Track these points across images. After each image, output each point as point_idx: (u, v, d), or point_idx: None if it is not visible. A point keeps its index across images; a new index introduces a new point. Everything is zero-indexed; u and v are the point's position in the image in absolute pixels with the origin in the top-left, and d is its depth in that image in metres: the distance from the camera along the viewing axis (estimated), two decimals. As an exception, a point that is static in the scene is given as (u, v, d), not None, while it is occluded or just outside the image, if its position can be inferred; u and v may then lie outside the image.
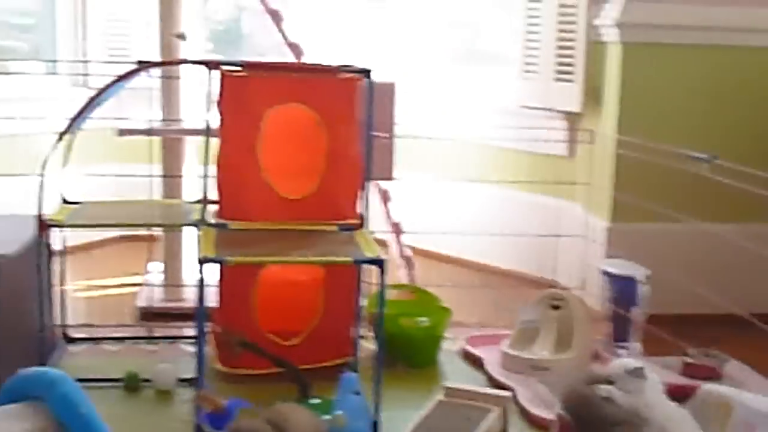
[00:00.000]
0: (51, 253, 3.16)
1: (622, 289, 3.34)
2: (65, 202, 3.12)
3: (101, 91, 2.93)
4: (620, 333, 3.35)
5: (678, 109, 3.89)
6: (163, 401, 2.87)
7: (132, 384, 2.94)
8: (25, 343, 2.87)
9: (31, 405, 1.82)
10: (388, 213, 3.91)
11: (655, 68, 3.86)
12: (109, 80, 3.01)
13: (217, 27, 5.46)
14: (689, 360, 3.17)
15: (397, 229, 3.94)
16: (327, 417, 2.62)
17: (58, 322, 3.29)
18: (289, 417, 2.25)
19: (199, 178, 3.22)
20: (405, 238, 3.99)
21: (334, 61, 2.93)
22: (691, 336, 3.26)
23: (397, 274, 3.86)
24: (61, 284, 3.30)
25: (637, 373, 2.35)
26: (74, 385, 1.84)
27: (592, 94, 4.03)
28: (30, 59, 4.94)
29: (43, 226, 2.84)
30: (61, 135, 2.90)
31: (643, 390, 2.33)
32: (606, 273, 3.40)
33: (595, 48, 4.01)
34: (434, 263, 4.27)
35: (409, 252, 3.99)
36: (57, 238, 3.25)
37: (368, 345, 3.22)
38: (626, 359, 2.53)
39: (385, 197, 3.89)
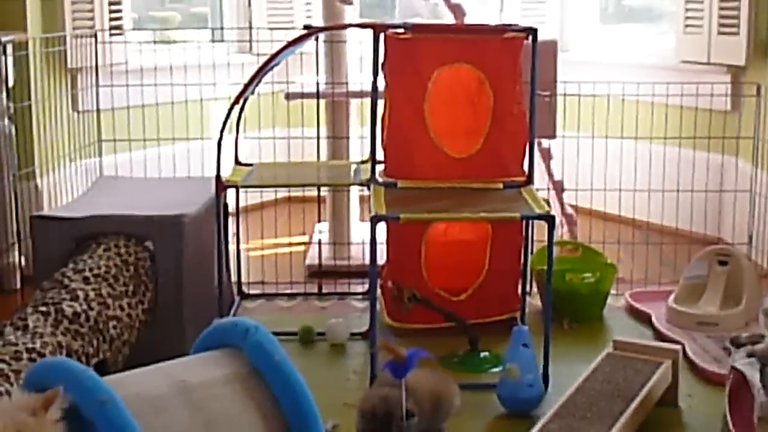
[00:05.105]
0: (227, 213, 3.31)
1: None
2: (238, 164, 3.26)
3: (273, 57, 3.04)
4: (790, 290, 3.30)
5: None
6: (337, 354, 2.99)
7: (307, 337, 3.06)
8: (204, 298, 3.02)
9: (228, 352, 1.93)
10: (549, 170, 3.92)
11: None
12: (274, 46, 3.13)
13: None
14: None
15: (558, 187, 3.95)
16: (498, 369, 2.69)
17: (234, 278, 3.45)
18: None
19: (364, 140, 3.31)
20: (565, 196, 4.00)
21: (490, 21, 2.95)
22: None
23: (557, 232, 3.87)
24: (236, 243, 3.45)
25: None
26: (268, 334, 1.94)
27: (758, 47, 3.94)
28: (195, 28, 5.12)
29: (221, 186, 2.96)
30: (236, 100, 3.02)
31: None
32: (776, 228, 3.35)
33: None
34: (595, 221, 4.27)
35: (570, 209, 4.01)
36: (232, 199, 3.41)
37: (533, 301, 3.27)
38: None
39: (546, 155, 3.90)
